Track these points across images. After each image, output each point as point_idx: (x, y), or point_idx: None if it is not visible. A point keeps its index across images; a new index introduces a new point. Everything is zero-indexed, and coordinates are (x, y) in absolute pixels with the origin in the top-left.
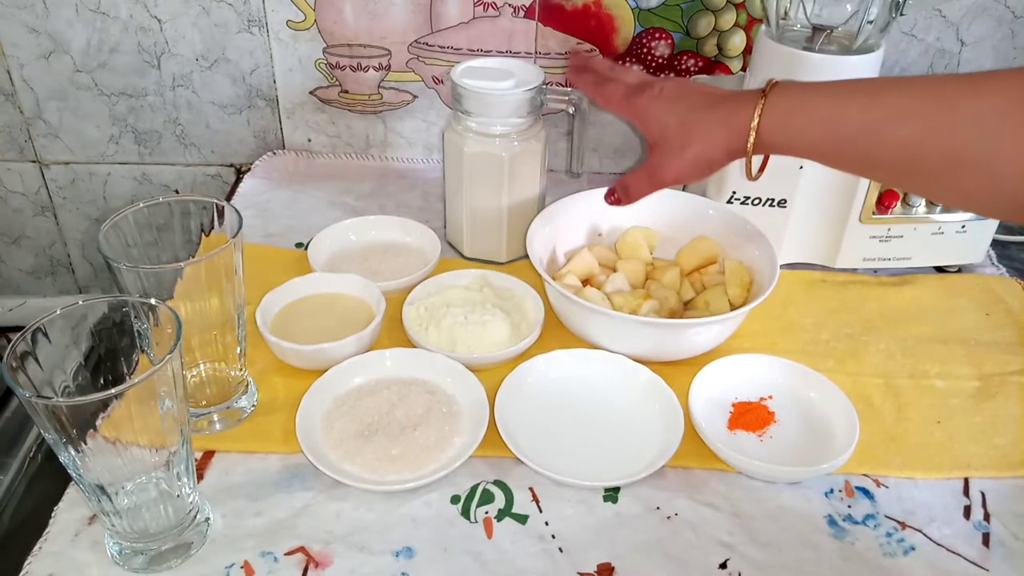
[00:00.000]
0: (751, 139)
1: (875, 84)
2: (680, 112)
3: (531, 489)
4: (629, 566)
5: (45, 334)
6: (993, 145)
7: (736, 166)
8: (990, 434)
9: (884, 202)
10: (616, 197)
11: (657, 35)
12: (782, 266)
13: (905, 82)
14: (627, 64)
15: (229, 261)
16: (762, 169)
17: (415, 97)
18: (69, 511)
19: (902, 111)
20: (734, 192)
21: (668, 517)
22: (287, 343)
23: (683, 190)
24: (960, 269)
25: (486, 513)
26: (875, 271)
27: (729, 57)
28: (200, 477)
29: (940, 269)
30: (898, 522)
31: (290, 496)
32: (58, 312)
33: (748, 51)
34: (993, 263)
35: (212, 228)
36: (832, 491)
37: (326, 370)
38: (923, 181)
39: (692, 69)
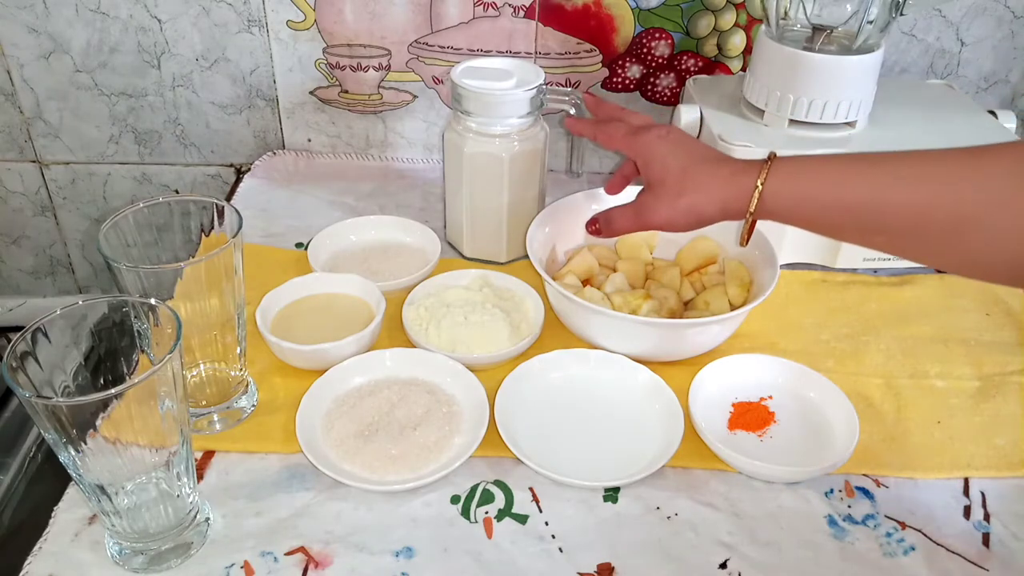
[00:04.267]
0: (754, 201)
1: (876, 155)
2: (683, 159)
3: (531, 489)
4: (629, 566)
5: (45, 334)
6: (999, 207)
7: None
8: (990, 434)
9: None
10: (597, 228)
11: (657, 35)
12: (782, 266)
13: (905, 153)
14: (626, 64)
15: (229, 261)
16: (749, 236)
17: (415, 97)
18: (69, 511)
19: (907, 176)
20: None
21: (668, 517)
22: (287, 343)
23: None
24: None
25: (486, 513)
26: (875, 271)
27: (729, 57)
28: (200, 477)
29: (940, 269)
30: (898, 522)
31: (290, 496)
32: (58, 312)
33: (748, 51)
34: None
35: (212, 228)
36: (832, 491)
37: (326, 370)
38: (928, 246)
39: (692, 69)
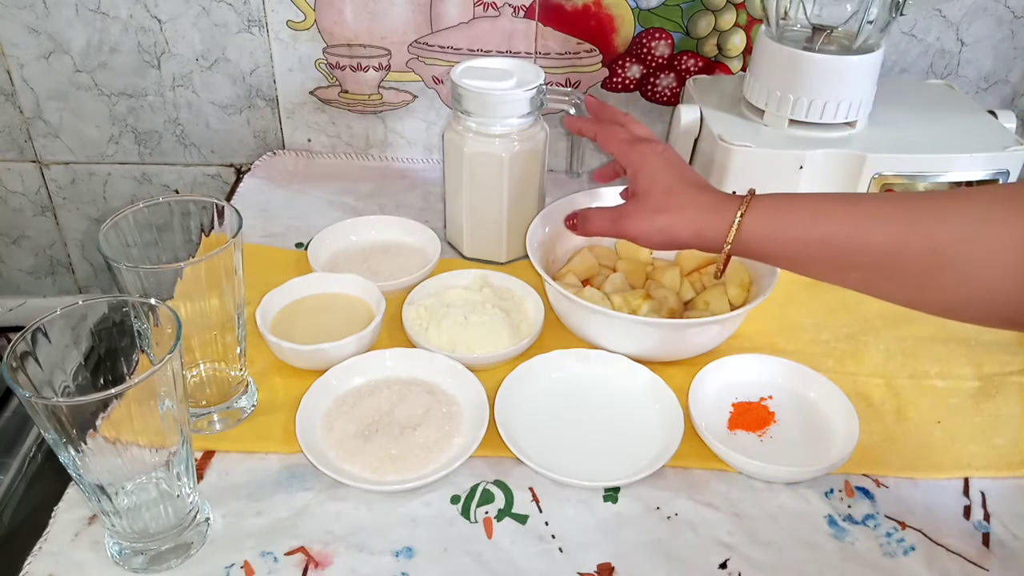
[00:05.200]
0: (731, 234)
1: (853, 194)
2: (671, 178)
3: (531, 489)
4: (629, 566)
5: (45, 334)
6: (975, 244)
7: (736, 166)
8: (990, 434)
9: None
10: (573, 224)
11: (657, 35)
12: None
13: (881, 194)
14: (626, 65)
15: (229, 261)
16: (724, 269)
17: (415, 97)
18: (69, 511)
19: (883, 214)
20: (734, 192)
21: (668, 517)
22: (287, 343)
23: None
24: None
25: (486, 513)
26: None
27: (729, 57)
28: (200, 477)
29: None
30: (898, 522)
31: (290, 496)
32: (58, 312)
33: (748, 51)
34: None
35: (212, 228)
36: (832, 491)
37: (326, 370)
38: (903, 283)
39: (692, 69)
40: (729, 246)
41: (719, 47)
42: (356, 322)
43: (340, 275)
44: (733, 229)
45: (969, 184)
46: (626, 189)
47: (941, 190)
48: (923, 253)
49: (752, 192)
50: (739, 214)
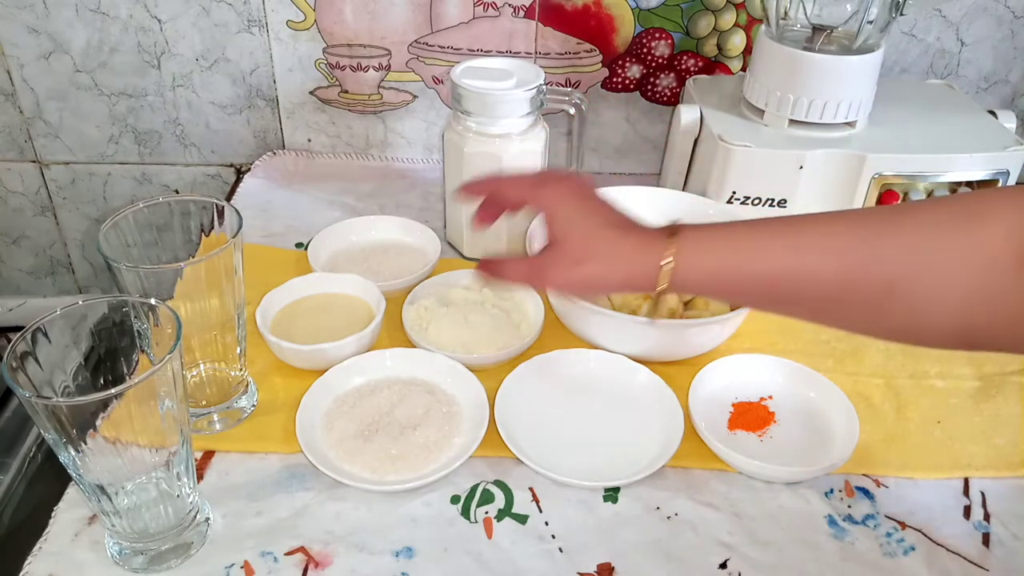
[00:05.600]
0: (663, 278)
1: (791, 219)
2: (590, 223)
3: (531, 489)
4: (629, 566)
5: (45, 334)
6: (925, 271)
7: (736, 166)
8: (990, 434)
9: (883, 202)
10: (487, 272)
11: (657, 35)
12: None
13: (824, 218)
14: (626, 65)
15: (229, 261)
16: (655, 309)
17: (415, 97)
18: (69, 511)
19: (829, 245)
20: (734, 192)
21: (668, 517)
22: (287, 343)
23: (683, 188)
24: None
25: (486, 513)
26: None
27: (729, 57)
28: (200, 477)
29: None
30: (898, 522)
31: (290, 496)
32: (58, 312)
33: (748, 51)
34: None
35: (212, 228)
36: (832, 491)
37: (326, 370)
38: (853, 315)
39: (692, 69)
40: (662, 287)
41: (719, 47)
42: (356, 322)
43: (340, 275)
44: (663, 276)
45: (969, 184)
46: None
47: (887, 209)
48: (874, 286)
49: (678, 227)
50: (669, 258)
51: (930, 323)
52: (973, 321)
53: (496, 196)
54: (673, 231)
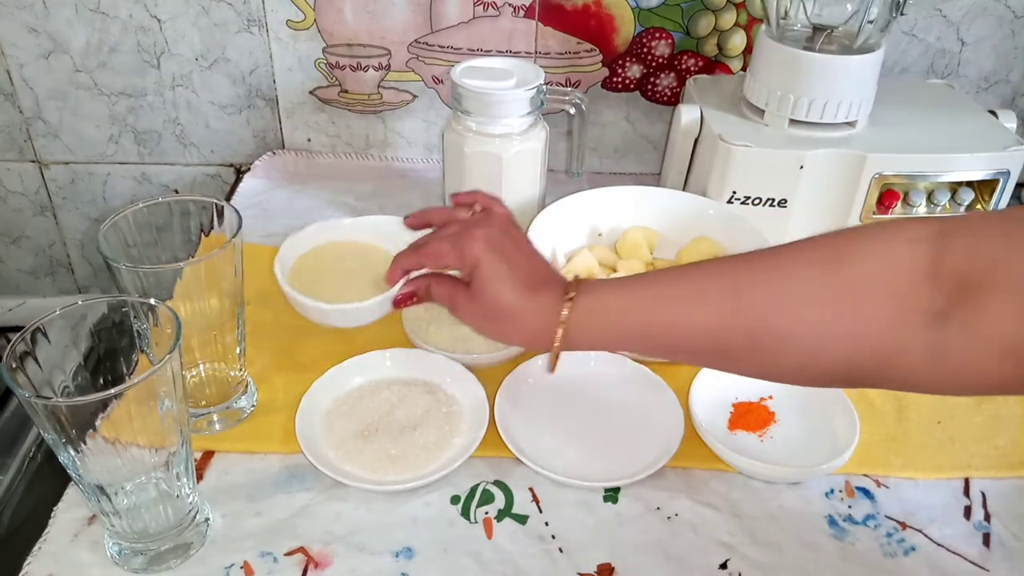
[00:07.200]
0: (557, 337)
1: (672, 273)
2: (500, 284)
3: (531, 489)
4: (629, 566)
5: (44, 334)
6: (791, 318)
7: (736, 166)
8: (990, 434)
9: (884, 202)
10: (411, 293)
11: (657, 35)
12: None
13: (701, 267)
14: (626, 64)
15: (229, 261)
16: (554, 365)
17: (415, 97)
18: (68, 511)
19: (697, 296)
20: (734, 192)
21: (668, 517)
22: (310, 301)
23: (683, 188)
24: None
25: (486, 513)
26: None
27: (729, 57)
28: (200, 477)
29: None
30: (898, 522)
31: (290, 496)
32: (57, 312)
33: (748, 51)
34: None
35: (212, 228)
36: (832, 491)
37: (348, 328)
38: (728, 361)
39: (692, 69)
40: (557, 345)
41: (719, 47)
42: (382, 275)
43: (365, 219)
44: (558, 335)
45: (970, 184)
46: None
47: (766, 253)
48: (743, 334)
49: (575, 286)
50: (562, 322)
51: (804, 366)
52: (859, 361)
53: (424, 247)
54: (571, 292)
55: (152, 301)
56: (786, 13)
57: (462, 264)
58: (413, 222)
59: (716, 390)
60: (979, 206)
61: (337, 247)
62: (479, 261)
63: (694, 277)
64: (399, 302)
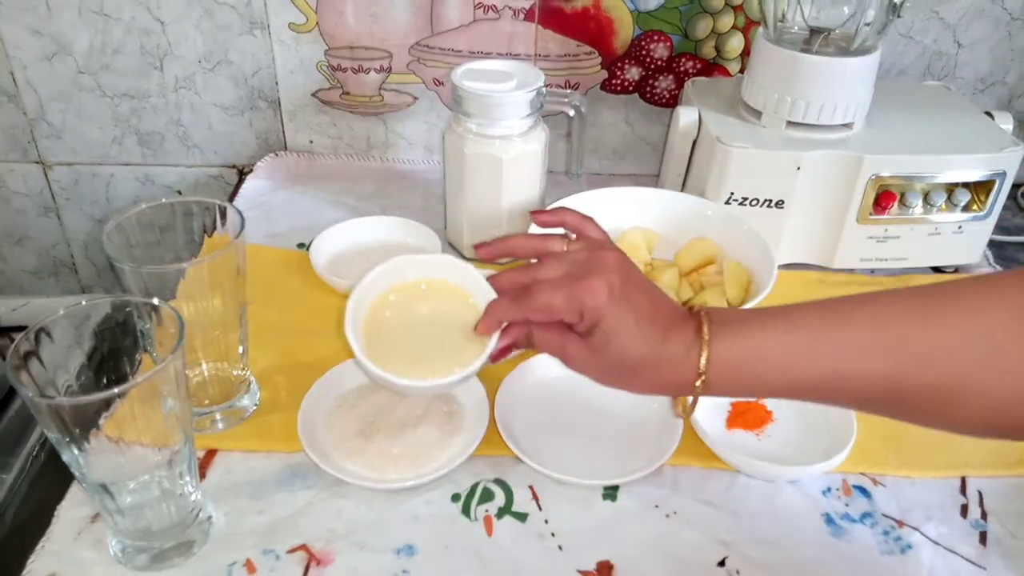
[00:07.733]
0: (697, 392)
1: (831, 311)
2: (629, 341)
3: (531, 487)
4: (628, 564)
5: (48, 334)
6: (990, 371)
7: (734, 167)
8: None
9: (881, 203)
10: (508, 344)
11: (656, 37)
12: (780, 266)
13: (868, 304)
14: (625, 67)
15: (231, 262)
16: (694, 406)
17: (416, 99)
18: (72, 510)
19: (875, 348)
20: (732, 193)
21: (667, 515)
22: (392, 376)
23: (682, 189)
24: (957, 269)
25: (486, 511)
26: (872, 271)
27: (727, 59)
28: (202, 476)
29: (937, 269)
30: (895, 520)
31: (292, 494)
32: (61, 312)
33: (746, 53)
34: (990, 263)
35: (214, 229)
36: (830, 490)
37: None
38: (907, 414)
39: (691, 71)
40: (698, 394)
41: (717, 49)
42: (465, 322)
43: (424, 257)
44: (698, 385)
45: (966, 185)
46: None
47: (938, 288)
48: (930, 386)
49: (708, 318)
50: (701, 376)
51: (1001, 420)
52: None
53: (531, 299)
54: (704, 331)
55: (155, 301)
56: (783, 16)
57: (581, 321)
58: (488, 253)
59: None
60: (975, 207)
61: (402, 291)
62: (603, 317)
63: (857, 325)
64: (496, 358)
